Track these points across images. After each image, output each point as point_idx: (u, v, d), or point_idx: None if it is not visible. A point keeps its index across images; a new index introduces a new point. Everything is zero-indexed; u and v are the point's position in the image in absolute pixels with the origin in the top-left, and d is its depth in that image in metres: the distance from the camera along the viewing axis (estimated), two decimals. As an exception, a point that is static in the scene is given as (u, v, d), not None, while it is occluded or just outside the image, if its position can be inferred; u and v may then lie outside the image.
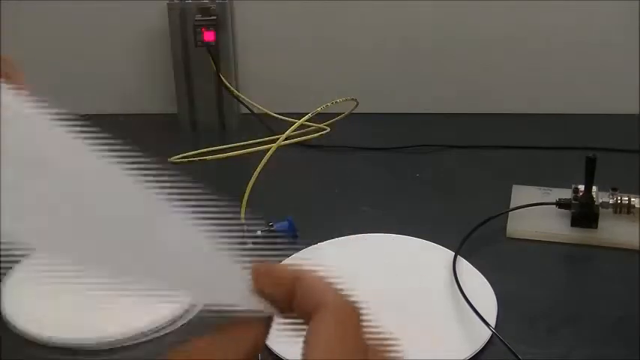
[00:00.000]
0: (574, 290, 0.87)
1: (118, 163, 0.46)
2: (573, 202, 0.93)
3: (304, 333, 0.46)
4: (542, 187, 1.00)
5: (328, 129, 1.03)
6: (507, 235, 0.94)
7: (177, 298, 0.68)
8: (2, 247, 0.80)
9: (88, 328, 0.79)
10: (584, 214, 0.92)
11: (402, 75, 1.26)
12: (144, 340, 0.79)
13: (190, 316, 0.82)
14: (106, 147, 0.44)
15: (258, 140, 1.02)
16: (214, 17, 1.17)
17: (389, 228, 0.94)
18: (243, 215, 0.93)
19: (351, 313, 0.50)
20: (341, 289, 0.49)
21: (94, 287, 0.79)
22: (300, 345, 0.57)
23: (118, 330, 0.78)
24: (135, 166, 0.44)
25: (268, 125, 1.20)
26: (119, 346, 0.78)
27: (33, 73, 1.29)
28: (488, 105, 1.25)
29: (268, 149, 0.94)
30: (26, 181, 0.40)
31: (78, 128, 0.46)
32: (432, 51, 1.24)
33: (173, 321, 0.81)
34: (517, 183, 1.02)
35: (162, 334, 0.80)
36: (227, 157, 0.98)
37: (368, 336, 0.49)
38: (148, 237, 0.44)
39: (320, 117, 0.99)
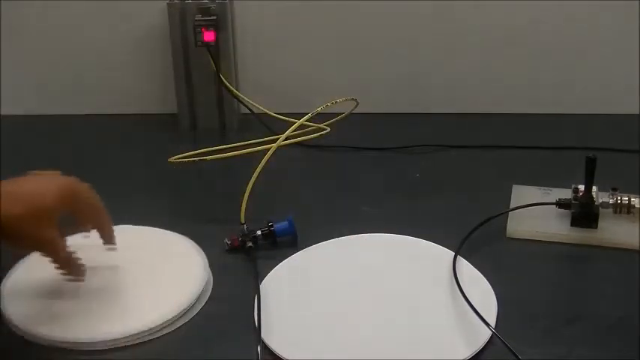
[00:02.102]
0: (574, 290, 0.87)
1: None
2: (573, 202, 0.93)
3: None
4: (542, 187, 1.00)
5: (328, 129, 1.02)
6: (507, 235, 0.94)
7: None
8: (2, 244, 0.81)
9: (88, 328, 0.79)
10: (584, 214, 0.92)
11: (402, 75, 1.26)
12: (144, 339, 0.79)
13: (190, 316, 0.82)
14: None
15: (258, 140, 1.02)
16: (214, 17, 1.17)
17: (389, 228, 0.94)
18: (243, 215, 0.93)
19: None
20: None
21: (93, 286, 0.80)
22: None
23: (118, 329, 0.78)
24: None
25: (268, 125, 1.20)
26: (119, 345, 0.78)
27: (33, 73, 1.29)
28: (488, 105, 1.26)
29: (268, 149, 0.94)
30: None
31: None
32: (432, 51, 1.24)
33: (173, 321, 0.81)
34: (517, 183, 1.02)
35: (162, 333, 0.80)
36: (227, 157, 0.98)
37: None
38: None
39: (320, 117, 0.99)
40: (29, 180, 0.78)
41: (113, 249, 0.85)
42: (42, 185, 0.78)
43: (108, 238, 0.85)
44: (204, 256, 0.90)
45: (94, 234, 0.94)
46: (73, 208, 0.80)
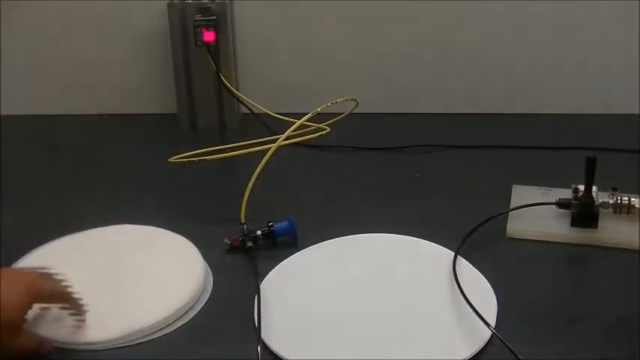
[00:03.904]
0: (574, 290, 0.87)
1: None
2: (573, 202, 0.93)
3: None
4: (542, 187, 1.00)
5: (328, 129, 1.02)
6: (507, 235, 0.94)
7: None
8: (2, 245, 0.81)
9: (89, 328, 0.78)
10: (584, 214, 0.92)
11: (402, 75, 1.26)
12: (144, 339, 0.79)
13: (190, 316, 0.82)
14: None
15: (258, 140, 1.02)
16: (214, 17, 1.17)
17: (389, 228, 0.94)
18: (243, 215, 0.93)
19: None
20: None
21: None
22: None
23: (118, 329, 0.78)
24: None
25: (268, 125, 1.20)
26: (119, 345, 0.78)
27: (33, 73, 1.29)
28: (488, 105, 1.26)
29: (268, 149, 0.94)
30: None
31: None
32: (432, 51, 1.24)
33: (173, 320, 0.81)
34: (517, 183, 1.02)
35: (162, 333, 0.80)
36: (227, 157, 0.98)
37: None
38: None
39: (320, 117, 0.99)
40: None
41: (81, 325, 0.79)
42: (5, 293, 0.72)
43: (79, 322, 0.79)
44: (202, 256, 0.90)
45: (93, 234, 0.94)
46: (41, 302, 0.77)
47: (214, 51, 1.19)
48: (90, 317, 0.80)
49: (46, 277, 0.77)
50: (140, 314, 0.80)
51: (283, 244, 0.93)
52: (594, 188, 0.92)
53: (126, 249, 0.91)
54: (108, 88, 1.29)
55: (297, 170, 1.12)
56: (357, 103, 1.11)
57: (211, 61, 1.18)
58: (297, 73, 1.27)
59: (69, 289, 0.78)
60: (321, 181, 1.10)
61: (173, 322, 0.81)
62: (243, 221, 0.93)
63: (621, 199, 0.92)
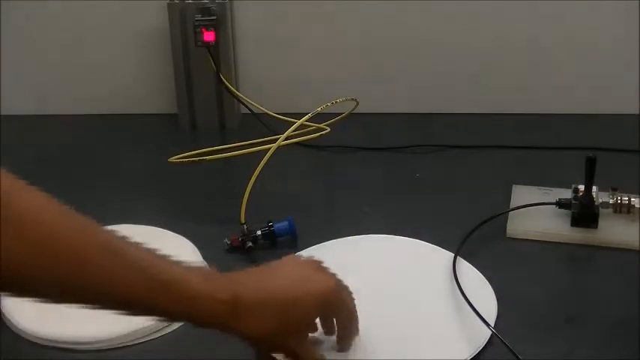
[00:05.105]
0: (574, 290, 0.87)
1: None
2: (573, 202, 0.93)
3: None
4: (542, 187, 1.00)
5: (328, 129, 1.02)
6: (507, 235, 0.94)
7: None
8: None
9: (88, 328, 0.78)
10: (584, 214, 0.92)
11: (402, 75, 1.26)
12: (144, 339, 0.79)
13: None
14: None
15: (258, 140, 1.02)
16: (214, 17, 1.17)
17: (389, 228, 0.94)
18: (243, 215, 0.93)
19: None
20: None
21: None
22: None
23: (117, 329, 0.78)
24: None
25: (268, 125, 1.20)
26: (119, 345, 0.78)
27: (33, 73, 1.29)
28: (488, 105, 1.25)
29: (268, 149, 0.94)
30: None
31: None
32: (432, 51, 1.24)
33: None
34: (517, 183, 1.02)
35: (162, 333, 0.80)
36: (227, 157, 0.98)
37: None
38: None
39: (320, 117, 0.99)
40: (283, 282, 0.65)
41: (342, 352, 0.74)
42: (298, 291, 0.65)
43: (345, 346, 0.74)
44: (202, 256, 0.90)
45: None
46: (329, 315, 0.70)
47: (214, 51, 1.19)
48: (90, 317, 0.80)
49: (343, 287, 0.68)
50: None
51: (283, 244, 0.93)
52: (594, 188, 0.92)
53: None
54: (108, 88, 1.29)
55: (297, 170, 1.12)
56: (357, 103, 1.11)
57: (211, 61, 1.18)
58: (297, 73, 1.27)
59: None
60: (321, 181, 1.10)
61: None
62: (243, 221, 0.93)
63: (621, 199, 0.92)
